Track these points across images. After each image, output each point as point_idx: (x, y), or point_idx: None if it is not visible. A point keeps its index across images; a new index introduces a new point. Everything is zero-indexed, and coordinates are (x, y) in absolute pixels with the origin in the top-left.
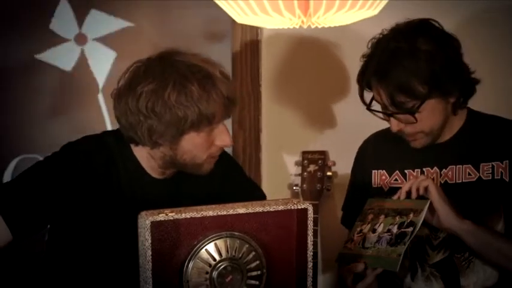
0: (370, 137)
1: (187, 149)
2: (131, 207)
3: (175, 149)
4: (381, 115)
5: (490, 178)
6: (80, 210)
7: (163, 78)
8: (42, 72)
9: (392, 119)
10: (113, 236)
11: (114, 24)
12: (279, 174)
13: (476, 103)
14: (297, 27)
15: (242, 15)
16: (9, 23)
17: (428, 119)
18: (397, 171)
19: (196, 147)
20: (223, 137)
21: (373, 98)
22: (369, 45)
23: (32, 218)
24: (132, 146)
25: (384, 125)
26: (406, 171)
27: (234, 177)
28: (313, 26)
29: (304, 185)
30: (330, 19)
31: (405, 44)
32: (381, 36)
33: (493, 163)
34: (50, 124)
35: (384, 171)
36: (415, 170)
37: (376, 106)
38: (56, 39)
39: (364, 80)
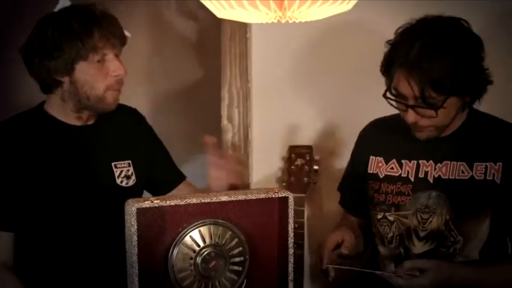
0: (372, 123)
1: (83, 79)
2: (65, 160)
3: (74, 82)
4: (400, 106)
5: (482, 178)
6: (38, 184)
7: (48, 21)
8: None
9: (410, 110)
10: (71, 196)
11: None
12: (267, 168)
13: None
14: (275, 21)
15: (221, 10)
16: (12, 23)
17: (446, 114)
18: (394, 160)
19: (91, 77)
20: (114, 67)
21: (389, 87)
22: (396, 32)
23: (16, 213)
24: (46, 103)
25: (376, 115)
26: (402, 161)
27: (156, 146)
28: (290, 21)
29: (291, 178)
30: (304, 13)
31: (440, 40)
32: (409, 26)
33: (486, 164)
34: None
35: (382, 158)
36: (412, 161)
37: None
38: None
39: (393, 70)
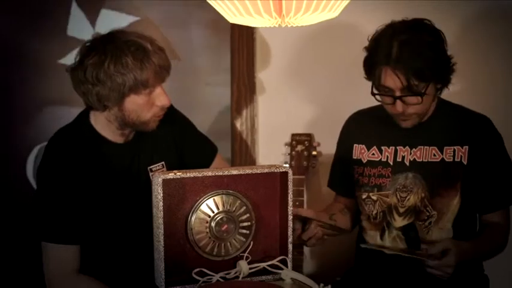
0: (354, 115)
1: (131, 109)
2: (111, 177)
3: (122, 110)
4: (387, 99)
5: (451, 160)
6: (92, 194)
7: (104, 52)
8: (62, 70)
9: (398, 101)
10: (118, 206)
11: (124, 20)
12: (272, 153)
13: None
14: (277, 26)
15: (232, 16)
16: (31, 33)
17: (426, 101)
18: (375, 147)
19: (139, 107)
20: (161, 98)
21: (376, 86)
22: (370, 39)
23: (78, 225)
24: (92, 119)
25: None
26: (382, 147)
27: (185, 134)
28: (289, 26)
29: (293, 162)
30: (299, 19)
31: (414, 35)
32: (380, 31)
33: (454, 147)
34: (69, 114)
35: (364, 145)
36: (390, 147)
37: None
38: (75, 42)
39: (378, 69)
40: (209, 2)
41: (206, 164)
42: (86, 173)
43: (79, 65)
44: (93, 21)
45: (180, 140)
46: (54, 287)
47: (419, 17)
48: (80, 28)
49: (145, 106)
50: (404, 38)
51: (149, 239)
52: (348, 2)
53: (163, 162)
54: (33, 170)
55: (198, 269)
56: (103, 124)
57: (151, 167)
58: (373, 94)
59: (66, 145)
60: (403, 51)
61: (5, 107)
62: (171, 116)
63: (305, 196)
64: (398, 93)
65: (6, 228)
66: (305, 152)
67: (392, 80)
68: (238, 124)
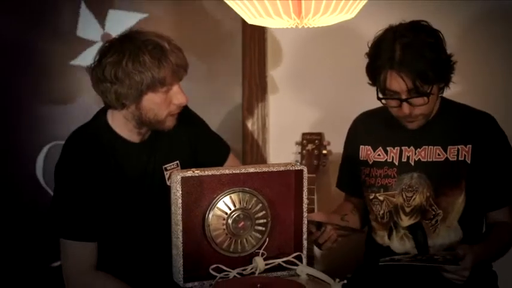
0: (360, 116)
1: (149, 107)
2: (127, 175)
3: (140, 108)
4: (393, 102)
5: (455, 159)
6: (109, 192)
7: (122, 51)
8: (74, 72)
9: (405, 103)
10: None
11: (132, 18)
12: (283, 152)
13: (480, 101)
14: (294, 27)
15: (251, 18)
16: (42, 33)
17: (432, 101)
18: (380, 148)
19: (156, 106)
20: (178, 96)
21: (381, 90)
22: (371, 45)
23: (96, 222)
24: (109, 118)
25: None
26: (387, 148)
27: (199, 134)
28: (306, 27)
29: (303, 161)
30: (317, 21)
31: (416, 37)
32: (379, 36)
33: (458, 146)
34: (79, 113)
35: (370, 147)
36: (395, 148)
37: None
38: (85, 44)
39: (382, 74)
40: (227, 2)
41: (219, 163)
42: (103, 171)
43: (98, 64)
44: (101, 22)
45: (194, 140)
46: (71, 283)
47: (421, 17)
48: (89, 29)
49: (162, 104)
50: (406, 40)
51: (165, 236)
52: (364, 3)
53: (177, 161)
54: (42, 169)
55: (215, 265)
56: (120, 123)
57: (166, 165)
58: (379, 99)
59: (84, 144)
60: (406, 53)
61: (14, 106)
62: (186, 116)
63: (315, 195)
64: (404, 96)
65: (16, 226)
66: (315, 151)
67: (397, 83)
68: (249, 124)
